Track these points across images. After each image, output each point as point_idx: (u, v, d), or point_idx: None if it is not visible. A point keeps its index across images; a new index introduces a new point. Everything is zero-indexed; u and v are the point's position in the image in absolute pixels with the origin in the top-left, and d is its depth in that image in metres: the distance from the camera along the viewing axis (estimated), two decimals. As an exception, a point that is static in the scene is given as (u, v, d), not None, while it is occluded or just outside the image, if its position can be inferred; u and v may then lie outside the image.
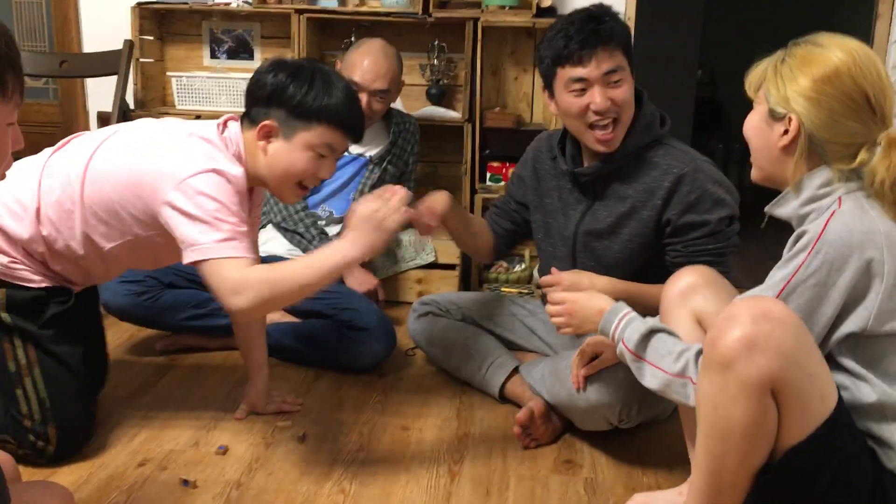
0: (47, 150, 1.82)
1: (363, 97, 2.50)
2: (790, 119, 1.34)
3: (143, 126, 1.83)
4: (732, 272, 1.82)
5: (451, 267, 3.00)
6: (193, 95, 3.26)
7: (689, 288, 1.56)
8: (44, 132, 3.63)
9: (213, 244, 1.60)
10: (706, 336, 1.30)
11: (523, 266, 3.07)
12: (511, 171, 3.13)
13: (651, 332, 1.46)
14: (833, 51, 1.33)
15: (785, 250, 1.35)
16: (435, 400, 2.16)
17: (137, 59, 3.20)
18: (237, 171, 1.70)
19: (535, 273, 2.89)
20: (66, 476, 1.72)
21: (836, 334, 1.31)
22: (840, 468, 1.27)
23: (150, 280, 2.30)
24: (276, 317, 2.40)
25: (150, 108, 3.27)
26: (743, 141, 1.46)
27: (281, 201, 2.55)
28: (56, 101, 3.67)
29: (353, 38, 3.15)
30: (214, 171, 1.65)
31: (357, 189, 2.69)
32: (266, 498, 1.67)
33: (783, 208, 1.41)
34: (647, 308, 1.62)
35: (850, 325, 1.29)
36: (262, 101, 1.76)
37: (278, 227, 2.63)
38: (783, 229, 1.41)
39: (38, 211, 1.72)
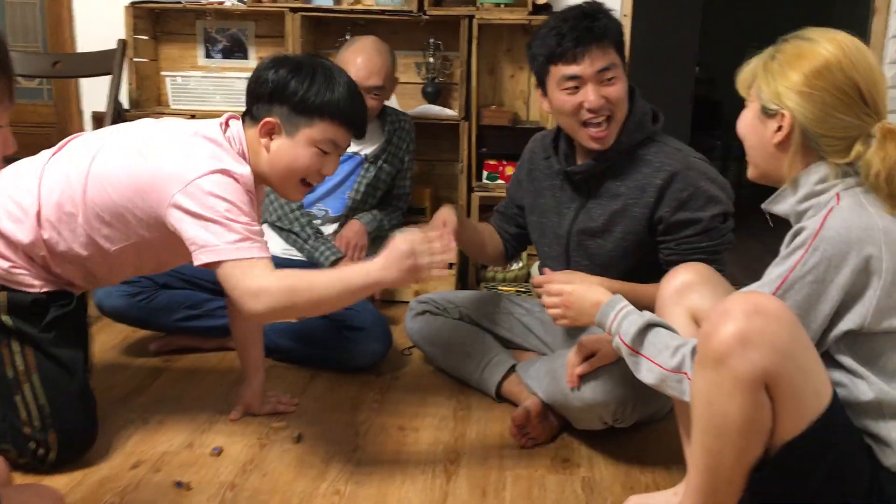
0: (46, 153, 1.79)
1: (358, 95, 2.49)
2: (783, 115, 1.34)
3: (144, 126, 1.80)
4: (729, 269, 1.81)
5: (448, 266, 2.98)
6: (188, 95, 3.26)
7: (685, 286, 1.56)
8: (38, 133, 3.62)
9: (228, 245, 1.58)
10: (699, 331, 1.30)
11: (520, 265, 3.06)
12: (508, 169, 3.14)
13: (648, 327, 1.46)
14: (822, 44, 1.32)
15: (782, 247, 1.34)
16: (432, 399, 2.15)
17: (131, 59, 3.19)
18: (244, 170, 1.68)
19: (534, 271, 2.89)
20: (59, 479, 1.70)
21: (833, 332, 1.30)
22: (836, 465, 1.26)
23: (144, 281, 2.29)
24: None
25: (145, 108, 3.26)
26: (741, 138, 1.45)
27: (284, 199, 2.55)
28: (50, 102, 3.66)
29: (348, 37, 3.13)
30: (222, 171, 1.63)
31: (352, 188, 2.68)
32: (260, 499, 1.66)
33: (780, 205, 1.40)
34: (642, 308, 1.60)
35: (848, 323, 1.28)
36: (263, 99, 1.74)
37: (273, 226, 2.62)
38: (783, 226, 1.40)
39: (38, 214, 1.70)
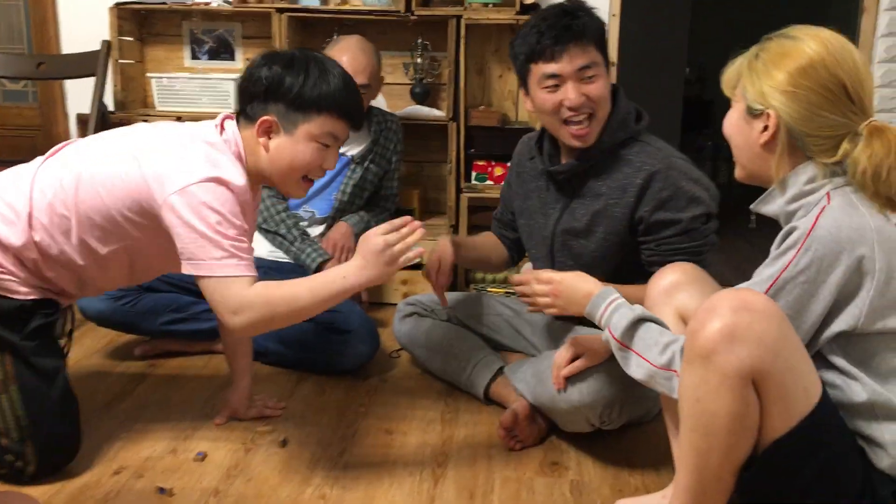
0: (40, 158, 1.78)
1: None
2: (769, 115, 1.33)
3: (138, 131, 1.78)
4: (718, 269, 1.79)
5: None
6: (174, 97, 3.23)
7: (674, 285, 1.55)
8: (24, 136, 3.60)
9: (214, 262, 1.59)
10: (687, 328, 1.28)
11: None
12: (496, 169, 3.12)
13: (638, 321, 1.44)
14: (806, 42, 1.31)
15: (773, 247, 1.33)
16: (420, 402, 2.13)
17: (117, 61, 3.17)
18: (240, 179, 1.67)
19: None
20: (38, 486, 1.67)
21: (825, 332, 1.29)
22: (826, 464, 1.25)
23: (129, 284, 2.26)
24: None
25: (131, 110, 3.23)
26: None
27: (270, 202, 2.53)
28: (35, 105, 3.62)
29: (335, 37, 3.10)
30: (217, 179, 1.62)
31: (339, 189, 2.66)
32: (244, 505, 1.64)
33: (769, 206, 1.39)
34: (630, 307, 1.59)
35: (841, 324, 1.27)
36: (258, 97, 1.72)
37: (259, 228, 2.59)
38: (774, 226, 1.39)
39: (30, 216, 1.68)
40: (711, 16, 6.14)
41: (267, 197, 2.54)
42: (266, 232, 2.58)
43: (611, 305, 1.51)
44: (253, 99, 1.73)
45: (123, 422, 1.97)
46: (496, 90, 3.34)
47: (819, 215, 1.26)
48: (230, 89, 3.13)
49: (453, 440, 1.93)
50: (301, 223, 2.60)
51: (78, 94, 3.39)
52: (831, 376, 1.30)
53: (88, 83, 3.01)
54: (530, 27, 1.82)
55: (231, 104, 3.01)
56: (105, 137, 1.79)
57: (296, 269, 2.48)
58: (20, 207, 1.68)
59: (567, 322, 2.01)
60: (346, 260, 2.56)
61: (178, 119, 2.86)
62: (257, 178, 1.77)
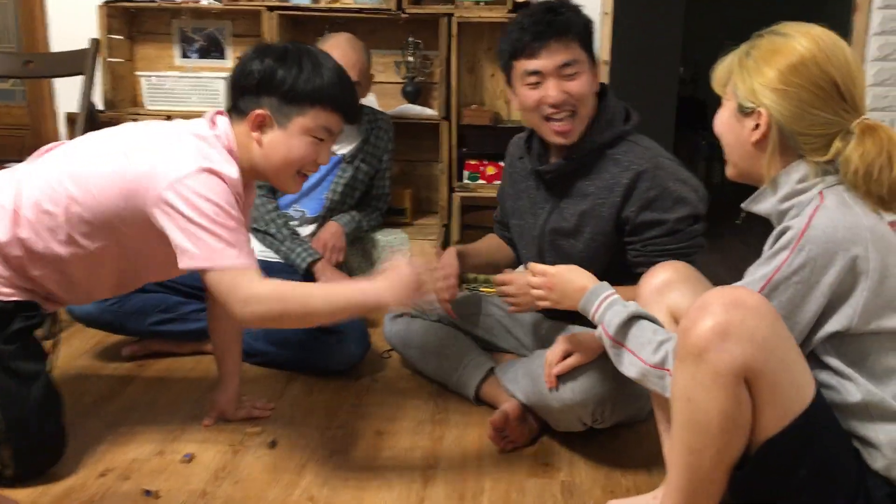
0: (30, 157, 1.77)
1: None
2: (760, 113, 1.32)
3: (128, 130, 1.76)
4: (705, 270, 1.78)
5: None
6: (164, 96, 3.21)
7: (665, 284, 1.54)
8: (13, 135, 3.58)
9: (214, 253, 1.55)
10: (679, 326, 1.27)
11: (502, 265, 3.03)
12: (489, 168, 3.11)
13: (633, 319, 1.43)
14: (797, 39, 1.30)
15: (766, 247, 1.32)
16: (410, 403, 2.11)
17: (106, 59, 3.14)
18: (233, 171, 1.64)
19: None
20: (23, 489, 1.65)
21: (819, 333, 1.28)
22: (819, 464, 1.24)
23: (116, 283, 2.24)
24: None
25: (120, 109, 3.21)
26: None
27: (260, 201, 2.51)
28: (24, 104, 3.60)
29: (325, 35, 3.09)
30: (210, 170, 1.59)
31: (329, 189, 2.64)
32: (232, 507, 1.62)
33: (761, 205, 1.38)
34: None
35: (835, 324, 1.27)
36: (250, 91, 1.69)
37: (249, 227, 2.57)
38: (767, 225, 1.37)
39: (14, 212, 1.66)
40: (705, 14, 6.12)
41: (257, 196, 2.52)
42: (256, 231, 2.56)
43: (605, 301, 1.49)
44: (245, 93, 1.70)
45: (110, 423, 1.95)
46: (488, 89, 3.33)
47: (813, 215, 1.25)
48: (220, 88, 3.11)
49: (443, 441, 1.91)
50: (291, 223, 2.58)
51: (67, 93, 3.36)
52: (825, 377, 1.29)
53: (77, 82, 2.99)
54: (514, 24, 1.81)
55: (221, 103, 2.99)
56: (94, 137, 1.77)
57: (286, 269, 2.47)
58: (5, 203, 1.66)
59: (559, 322, 2.00)
60: (336, 260, 2.56)
61: (168, 118, 2.82)
62: (250, 173, 1.74)
